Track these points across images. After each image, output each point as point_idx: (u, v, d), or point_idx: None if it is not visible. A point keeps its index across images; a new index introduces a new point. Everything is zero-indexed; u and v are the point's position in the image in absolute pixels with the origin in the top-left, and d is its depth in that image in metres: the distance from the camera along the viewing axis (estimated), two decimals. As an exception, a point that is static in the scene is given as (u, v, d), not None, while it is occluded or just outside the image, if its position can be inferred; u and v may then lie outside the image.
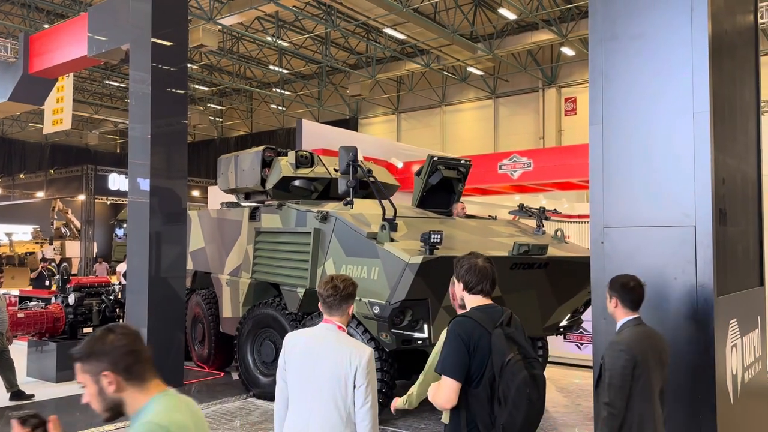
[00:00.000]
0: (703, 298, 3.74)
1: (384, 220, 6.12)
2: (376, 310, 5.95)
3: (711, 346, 3.70)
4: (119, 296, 9.54)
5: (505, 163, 16.28)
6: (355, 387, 2.99)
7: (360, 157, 15.16)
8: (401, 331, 5.97)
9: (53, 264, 21.00)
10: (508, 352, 2.82)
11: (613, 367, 3.15)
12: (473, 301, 3.09)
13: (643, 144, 4.07)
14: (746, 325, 4.43)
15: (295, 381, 3.09)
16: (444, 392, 2.88)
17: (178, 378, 8.26)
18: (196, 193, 30.04)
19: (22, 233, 31.63)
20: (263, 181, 8.42)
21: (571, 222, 21.82)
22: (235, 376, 8.43)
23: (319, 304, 3.16)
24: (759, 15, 5.50)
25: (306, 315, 7.08)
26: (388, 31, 24.57)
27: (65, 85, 13.96)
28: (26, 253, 28.78)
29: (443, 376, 2.90)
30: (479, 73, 28.66)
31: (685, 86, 3.92)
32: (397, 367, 6.70)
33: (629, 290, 3.28)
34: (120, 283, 10.86)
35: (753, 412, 4.57)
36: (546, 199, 21.26)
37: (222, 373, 9.01)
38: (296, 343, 3.15)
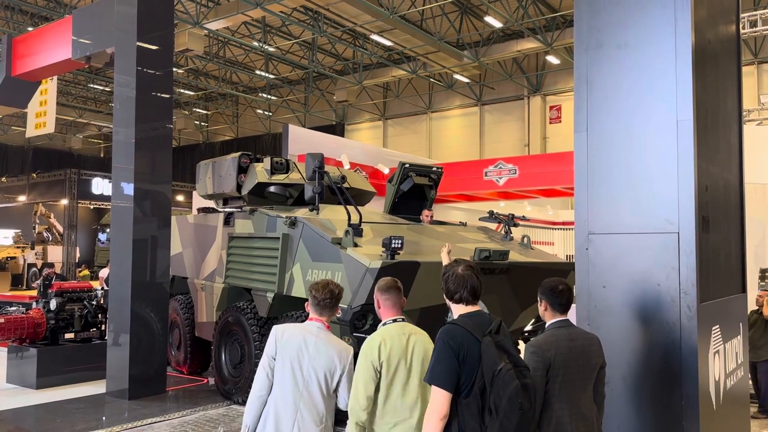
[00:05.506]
0: (686, 305, 3.76)
1: (349, 225, 6.22)
2: (338, 314, 6.02)
3: (694, 352, 3.72)
4: (102, 302, 9.44)
5: (490, 169, 16.36)
6: (340, 381, 3.44)
7: (347, 163, 15.06)
8: (363, 335, 6.01)
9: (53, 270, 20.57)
10: (499, 361, 2.75)
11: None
12: (457, 309, 3.03)
13: (627, 151, 4.10)
14: (728, 332, 4.46)
15: (286, 370, 3.34)
16: (435, 404, 2.77)
17: (161, 384, 8.18)
18: (180, 197, 29.79)
19: (3, 238, 31.17)
20: (239, 187, 8.47)
21: (555, 228, 21.95)
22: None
23: (310, 305, 3.49)
24: (741, 26, 5.57)
25: (272, 319, 7.13)
26: (375, 37, 24.62)
27: (49, 88, 13.83)
28: (7, 257, 28.38)
29: (433, 387, 2.79)
30: (465, 80, 28.79)
31: (668, 95, 3.95)
32: None
33: (558, 294, 3.34)
34: (102, 289, 10.73)
35: (735, 419, 4.60)
36: (531, 206, 21.37)
37: (205, 380, 8.94)
38: (293, 334, 3.41)
